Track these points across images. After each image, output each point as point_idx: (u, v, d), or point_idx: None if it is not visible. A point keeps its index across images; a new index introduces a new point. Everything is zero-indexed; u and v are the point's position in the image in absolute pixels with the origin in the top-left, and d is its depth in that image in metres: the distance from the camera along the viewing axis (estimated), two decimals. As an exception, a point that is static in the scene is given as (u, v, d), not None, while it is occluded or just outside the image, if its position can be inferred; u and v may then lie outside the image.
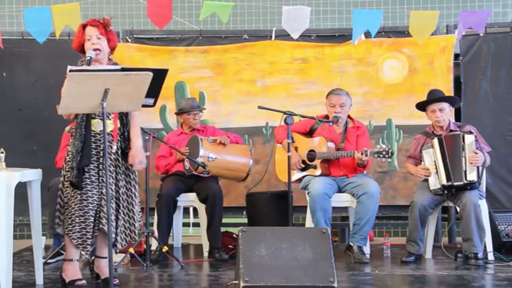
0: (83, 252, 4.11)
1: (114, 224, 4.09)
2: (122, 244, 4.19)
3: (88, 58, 4.02)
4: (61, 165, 5.19)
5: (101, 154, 4.05)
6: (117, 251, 4.24)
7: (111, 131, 4.11)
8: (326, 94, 5.50)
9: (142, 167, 4.23)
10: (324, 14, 7.12)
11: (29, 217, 4.37)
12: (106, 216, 3.99)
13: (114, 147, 4.12)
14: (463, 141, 5.04)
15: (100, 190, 4.07)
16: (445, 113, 5.23)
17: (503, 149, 6.06)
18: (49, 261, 5.15)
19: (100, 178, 4.07)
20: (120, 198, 4.15)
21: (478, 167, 5.02)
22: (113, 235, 4.08)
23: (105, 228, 4.00)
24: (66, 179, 4.11)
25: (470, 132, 5.11)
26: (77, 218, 4.03)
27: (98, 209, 4.07)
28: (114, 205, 4.09)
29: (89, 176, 4.05)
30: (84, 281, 4.19)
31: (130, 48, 6.26)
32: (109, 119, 4.10)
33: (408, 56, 6.18)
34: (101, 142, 4.04)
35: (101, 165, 4.06)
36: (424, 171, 5.16)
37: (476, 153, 5.00)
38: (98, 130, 4.05)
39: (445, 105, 5.24)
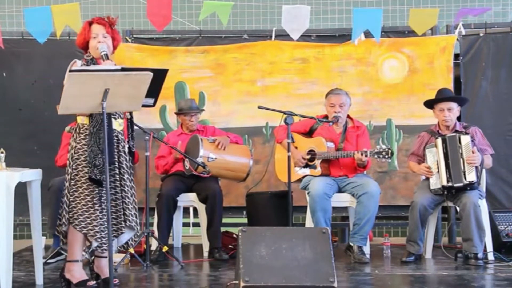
0: (95, 243, 4.06)
1: (134, 218, 4.14)
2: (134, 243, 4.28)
3: (104, 53, 4.04)
4: (61, 163, 5.22)
5: (115, 152, 4.08)
6: (133, 246, 4.32)
7: (122, 130, 4.14)
8: (326, 94, 5.50)
9: None
10: (324, 14, 7.12)
11: (29, 217, 4.37)
12: (131, 213, 4.08)
13: (126, 146, 4.16)
14: (460, 142, 5.04)
15: (120, 188, 4.10)
16: (453, 113, 5.23)
17: (503, 149, 6.05)
18: (49, 261, 5.15)
19: (118, 176, 4.10)
20: (127, 196, 4.17)
21: (476, 167, 5.02)
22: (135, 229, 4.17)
23: (132, 224, 4.09)
24: (75, 179, 4.05)
25: (466, 133, 5.11)
26: (93, 215, 4.01)
27: (121, 207, 4.09)
28: (131, 200, 4.15)
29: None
30: (94, 282, 4.17)
31: (130, 48, 6.26)
32: (121, 118, 4.14)
33: (408, 56, 6.18)
34: (115, 141, 4.07)
35: (117, 163, 4.09)
36: (426, 169, 5.15)
37: (473, 153, 5.00)
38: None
39: (454, 105, 5.24)
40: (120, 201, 4.11)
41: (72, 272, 4.14)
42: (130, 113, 4.22)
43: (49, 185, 5.29)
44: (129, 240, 4.22)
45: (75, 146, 4.09)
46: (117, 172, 4.11)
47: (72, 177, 4.07)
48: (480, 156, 5.04)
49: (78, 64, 4.04)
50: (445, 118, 5.21)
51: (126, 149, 4.17)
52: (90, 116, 4.03)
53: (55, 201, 5.20)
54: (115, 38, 4.20)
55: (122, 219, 4.10)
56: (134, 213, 4.17)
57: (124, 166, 4.13)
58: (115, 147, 4.08)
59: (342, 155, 5.27)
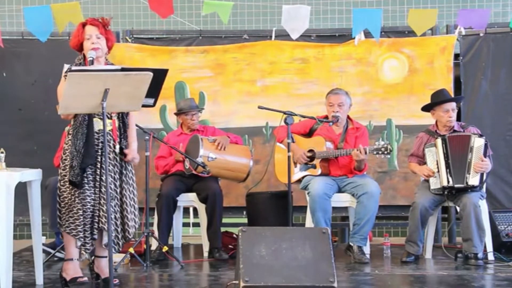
0: (78, 243, 4.08)
1: (116, 222, 4.12)
2: (120, 244, 4.21)
3: (90, 59, 4.03)
4: (58, 163, 5.22)
5: (100, 153, 4.07)
6: (119, 250, 4.26)
7: (110, 130, 4.12)
8: (326, 94, 5.50)
9: (135, 162, 4.36)
10: (324, 14, 7.13)
11: (29, 217, 4.37)
12: (105, 215, 4.02)
13: (117, 147, 4.15)
14: (472, 143, 5.03)
15: (99, 189, 4.08)
16: (455, 113, 5.25)
17: (503, 149, 6.05)
18: (57, 254, 5.16)
19: (98, 177, 4.08)
20: (116, 198, 4.16)
21: (482, 173, 5.02)
22: (114, 234, 4.12)
23: (105, 226, 4.03)
24: (63, 179, 4.10)
25: (481, 136, 5.10)
26: (76, 215, 4.04)
27: (97, 208, 4.08)
28: (113, 204, 4.11)
29: (87, 175, 4.07)
30: (85, 278, 4.20)
31: (130, 48, 6.26)
32: (109, 118, 4.12)
33: (408, 56, 6.18)
34: (100, 141, 4.06)
35: (99, 164, 4.07)
36: (428, 171, 5.14)
37: (483, 161, 4.99)
38: (97, 129, 4.06)
39: (454, 105, 5.26)
40: (97, 202, 4.09)
41: (67, 271, 4.19)
42: (123, 114, 4.20)
43: (46, 184, 5.27)
44: (115, 245, 4.17)
45: (64, 147, 4.17)
46: (98, 173, 4.08)
47: (61, 178, 4.13)
48: (490, 165, 5.03)
49: (65, 67, 4.04)
50: (450, 119, 5.22)
51: (116, 150, 4.16)
52: (74, 117, 4.05)
53: (52, 200, 5.19)
54: (109, 39, 4.21)
55: (96, 220, 4.09)
56: (117, 216, 4.13)
57: (109, 167, 4.10)
58: (99, 148, 4.06)
59: (341, 153, 5.26)
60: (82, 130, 4.03)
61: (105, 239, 4.14)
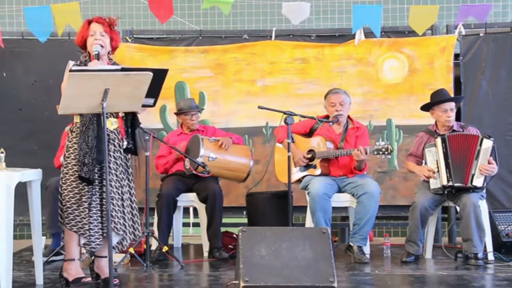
0: (82, 240, 4.06)
1: (121, 221, 4.10)
2: (128, 243, 4.22)
3: (96, 53, 4.03)
4: (58, 164, 5.22)
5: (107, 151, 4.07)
6: (123, 249, 4.26)
7: (115, 128, 4.13)
8: (324, 95, 5.50)
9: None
10: (324, 14, 7.13)
11: (29, 217, 4.37)
12: (118, 215, 4.05)
13: (125, 143, 4.15)
14: (480, 144, 5.03)
15: (105, 187, 4.07)
16: (454, 113, 5.25)
17: (503, 149, 6.04)
18: (53, 258, 5.16)
19: (104, 175, 4.07)
20: (124, 197, 4.16)
21: (486, 175, 5.02)
22: (121, 233, 4.12)
23: (117, 227, 4.05)
24: (65, 176, 4.09)
25: (489, 137, 5.09)
26: (82, 213, 4.02)
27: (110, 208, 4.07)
28: (119, 203, 4.11)
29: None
30: (89, 278, 4.21)
31: (130, 48, 6.26)
32: (114, 117, 4.12)
33: (408, 56, 6.18)
34: (107, 139, 4.05)
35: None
36: (429, 172, 5.13)
37: (490, 163, 4.99)
38: (106, 126, 4.04)
39: (453, 105, 5.26)
40: (100, 198, 4.09)
41: (69, 271, 4.19)
42: (128, 113, 4.19)
43: (46, 185, 5.27)
44: (118, 244, 4.18)
45: (67, 145, 4.15)
46: (104, 171, 4.05)
47: (63, 176, 4.12)
48: (496, 168, 5.03)
49: (70, 64, 4.03)
50: (449, 119, 5.22)
51: (121, 148, 4.16)
52: (81, 115, 4.05)
53: (52, 201, 5.19)
54: (113, 38, 4.21)
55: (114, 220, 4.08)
56: (121, 216, 4.12)
57: (111, 166, 4.10)
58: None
59: (341, 153, 5.26)
60: (93, 126, 4.02)
61: (115, 240, 4.13)
